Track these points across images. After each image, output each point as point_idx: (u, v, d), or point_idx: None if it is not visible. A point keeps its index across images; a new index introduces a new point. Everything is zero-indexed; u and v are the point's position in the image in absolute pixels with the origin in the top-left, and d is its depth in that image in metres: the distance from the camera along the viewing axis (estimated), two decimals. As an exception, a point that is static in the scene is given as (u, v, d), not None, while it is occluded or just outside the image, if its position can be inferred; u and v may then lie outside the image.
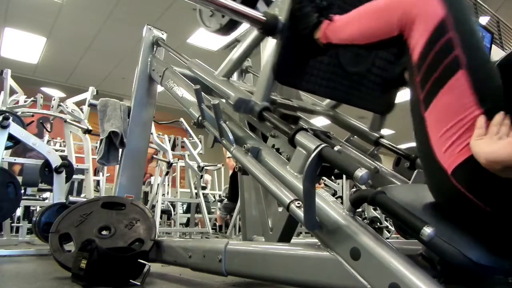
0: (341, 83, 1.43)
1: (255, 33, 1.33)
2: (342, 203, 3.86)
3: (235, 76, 2.24)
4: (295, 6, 1.21)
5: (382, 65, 1.50)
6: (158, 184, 4.62)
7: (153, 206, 4.50)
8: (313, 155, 0.85)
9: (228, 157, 5.14)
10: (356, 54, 1.42)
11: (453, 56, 0.75)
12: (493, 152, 0.66)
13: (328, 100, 1.94)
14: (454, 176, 0.75)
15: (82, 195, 4.14)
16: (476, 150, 0.69)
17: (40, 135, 4.36)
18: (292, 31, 1.22)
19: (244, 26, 1.52)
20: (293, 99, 1.81)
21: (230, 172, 4.84)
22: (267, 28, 1.24)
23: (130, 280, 1.35)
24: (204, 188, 5.58)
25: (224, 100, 1.42)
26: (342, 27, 1.07)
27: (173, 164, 4.84)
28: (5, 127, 2.50)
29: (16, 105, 3.69)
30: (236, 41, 1.92)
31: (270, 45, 1.28)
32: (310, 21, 1.16)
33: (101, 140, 2.16)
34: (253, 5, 1.38)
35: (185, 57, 1.83)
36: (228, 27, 1.59)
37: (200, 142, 5.16)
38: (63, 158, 2.90)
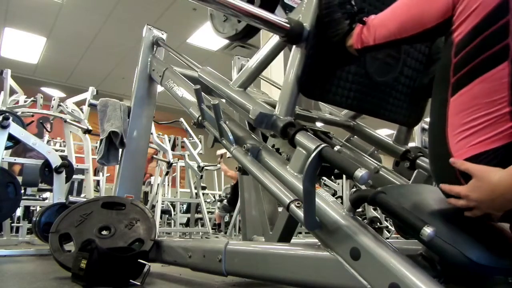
0: (368, 95, 1.35)
1: (275, 40, 1.24)
2: (342, 203, 3.86)
3: (234, 75, 2.23)
4: (322, 12, 1.11)
5: (410, 74, 1.41)
6: (158, 184, 4.62)
7: (153, 206, 4.50)
8: (313, 155, 0.85)
9: (228, 156, 5.14)
10: (384, 63, 1.34)
11: (504, 44, 0.70)
12: None
13: (347, 110, 1.84)
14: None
15: (82, 195, 4.14)
16: None
17: (40, 135, 4.36)
18: (319, 39, 1.14)
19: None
20: (312, 110, 1.73)
21: (233, 182, 4.92)
22: (291, 36, 1.13)
23: (130, 280, 1.35)
24: (204, 188, 5.58)
25: (223, 100, 1.39)
26: (381, 24, 0.98)
27: (173, 164, 4.84)
28: (5, 127, 2.50)
29: (16, 105, 3.69)
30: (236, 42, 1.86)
31: (294, 55, 1.18)
32: (341, 28, 1.07)
33: (101, 140, 2.15)
34: (272, 10, 1.28)
35: (186, 57, 1.84)
36: (244, 33, 1.47)
37: (200, 142, 5.16)
38: (63, 158, 2.90)
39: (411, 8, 0.88)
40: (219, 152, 5.57)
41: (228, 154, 1.31)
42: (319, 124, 1.73)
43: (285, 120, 1.13)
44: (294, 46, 1.18)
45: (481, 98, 0.72)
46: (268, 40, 1.28)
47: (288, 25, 1.12)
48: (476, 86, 0.72)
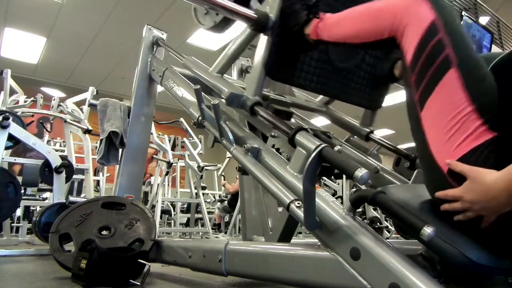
0: (331, 79, 1.45)
1: (247, 30, 1.38)
2: (342, 203, 3.86)
3: (235, 76, 2.24)
4: (285, 3, 1.26)
5: (371, 61, 1.53)
6: (158, 184, 4.62)
7: (153, 206, 4.50)
8: (313, 155, 0.85)
9: (229, 156, 5.19)
10: (345, 50, 1.45)
11: (445, 55, 0.78)
12: None
13: (321, 97, 1.99)
14: (449, 174, 0.76)
15: (82, 195, 4.14)
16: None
17: (40, 135, 4.36)
18: (283, 28, 1.28)
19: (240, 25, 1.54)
20: (286, 95, 1.85)
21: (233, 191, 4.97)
22: (258, 25, 1.30)
23: (130, 280, 1.35)
24: (204, 188, 5.59)
25: (220, 96, 1.43)
26: (333, 26, 1.11)
27: (173, 164, 4.84)
28: (5, 127, 2.50)
29: (16, 105, 3.69)
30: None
31: (261, 42, 1.33)
32: (300, 18, 1.22)
33: (101, 140, 2.15)
34: (246, 4, 1.42)
35: (183, 55, 1.85)
36: (222, 25, 1.63)
37: (200, 142, 5.16)
38: (63, 158, 2.90)
39: (360, 22, 1.00)
40: (219, 172, 5.71)
41: (229, 155, 1.33)
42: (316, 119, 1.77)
43: (254, 100, 1.29)
44: (261, 34, 1.33)
45: (444, 104, 0.77)
46: (242, 31, 1.43)
47: (255, 16, 1.29)
48: (436, 96, 0.78)
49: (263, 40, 1.32)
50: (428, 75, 0.79)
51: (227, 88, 1.36)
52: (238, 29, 1.56)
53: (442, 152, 0.77)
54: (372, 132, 1.79)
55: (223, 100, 1.47)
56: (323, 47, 1.36)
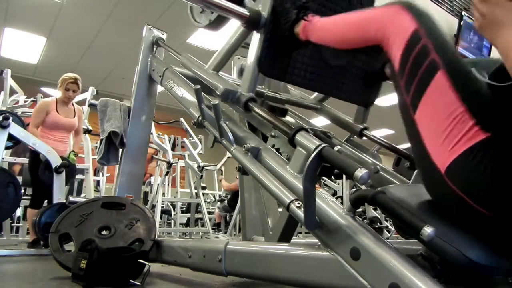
0: (324, 76, 1.47)
1: (241, 28, 1.41)
2: (342, 203, 3.86)
3: (235, 75, 2.24)
4: (276, 2, 1.31)
5: (363, 59, 1.56)
6: (158, 184, 4.62)
7: (153, 206, 4.50)
8: (313, 155, 0.85)
9: (229, 156, 5.18)
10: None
11: (430, 59, 0.79)
12: None
13: (315, 94, 2.02)
14: (447, 175, 0.76)
15: (82, 195, 4.14)
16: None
17: (40, 135, 4.35)
18: (274, 26, 1.31)
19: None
20: (281, 93, 1.87)
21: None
22: (250, 23, 1.33)
23: (130, 280, 1.35)
24: (204, 188, 5.59)
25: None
26: (321, 30, 1.16)
27: (173, 164, 4.84)
28: (5, 127, 2.50)
29: (16, 105, 3.70)
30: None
31: (254, 40, 1.36)
32: (290, 16, 1.27)
33: (101, 140, 2.16)
34: (240, 2, 1.44)
35: (179, 53, 1.86)
36: (217, 23, 1.66)
37: (200, 142, 5.16)
38: (63, 158, 2.90)
39: (345, 30, 1.05)
40: (217, 167, 5.69)
41: (228, 154, 1.33)
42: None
43: (247, 96, 1.32)
44: (254, 32, 1.35)
45: (437, 106, 0.78)
46: (236, 29, 1.46)
47: (248, 14, 1.32)
48: (427, 99, 0.79)
49: (256, 38, 1.35)
50: (417, 79, 0.80)
51: (221, 84, 1.38)
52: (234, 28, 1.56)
53: (439, 153, 0.77)
54: (366, 128, 1.80)
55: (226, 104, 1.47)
56: (314, 44, 1.39)
